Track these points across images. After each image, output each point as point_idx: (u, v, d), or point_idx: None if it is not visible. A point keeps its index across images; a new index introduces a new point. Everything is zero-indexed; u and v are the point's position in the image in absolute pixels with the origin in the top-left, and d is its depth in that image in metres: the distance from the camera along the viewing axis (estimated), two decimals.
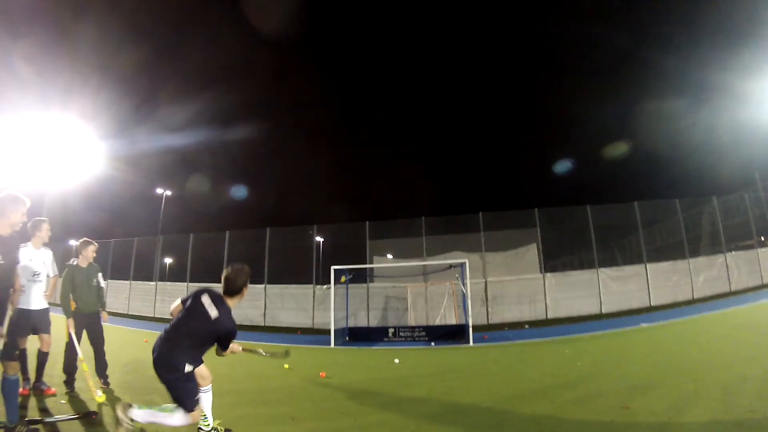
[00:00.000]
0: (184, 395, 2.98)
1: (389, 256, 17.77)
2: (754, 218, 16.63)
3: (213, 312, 3.00)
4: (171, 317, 3.16)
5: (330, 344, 10.98)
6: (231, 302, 3.15)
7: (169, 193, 25.39)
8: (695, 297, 14.98)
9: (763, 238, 17.09)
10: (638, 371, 5.43)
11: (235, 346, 3.39)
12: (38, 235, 4.58)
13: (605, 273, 15.33)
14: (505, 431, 3.52)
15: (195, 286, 18.22)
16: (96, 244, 5.45)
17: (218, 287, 3.20)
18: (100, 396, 4.51)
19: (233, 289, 3.15)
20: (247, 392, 5.42)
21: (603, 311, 14.73)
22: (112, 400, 4.61)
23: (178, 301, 3.20)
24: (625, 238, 16.76)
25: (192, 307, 3.04)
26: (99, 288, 5.33)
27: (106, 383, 5.05)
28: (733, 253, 15.85)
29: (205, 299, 3.05)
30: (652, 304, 14.82)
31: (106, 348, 5.25)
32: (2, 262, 3.07)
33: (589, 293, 15.08)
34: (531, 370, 6.52)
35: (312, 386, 5.76)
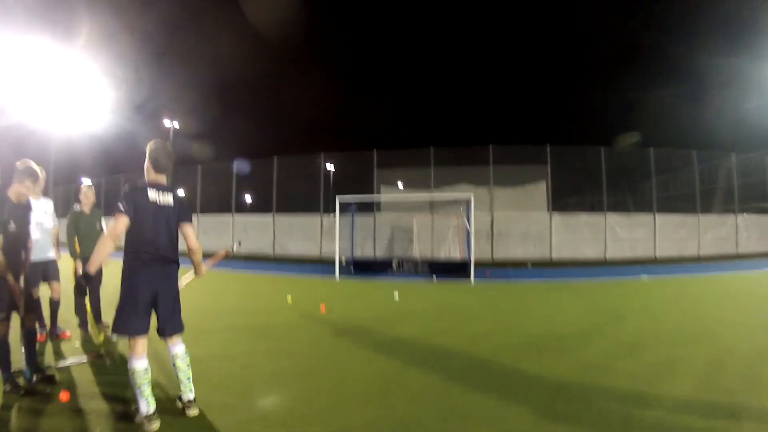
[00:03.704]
0: (180, 312, 2.98)
1: (399, 184, 17.70)
2: None
3: (168, 198, 2.88)
4: (113, 241, 2.71)
5: (335, 275, 11.33)
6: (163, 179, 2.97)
7: (176, 125, 24.77)
8: (701, 254, 14.93)
9: None
10: (628, 329, 5.48)
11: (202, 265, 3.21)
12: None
13: (613, 218, 15.15)
14: (484, 382, 3.60)
15: (205, 218, 18.68)
16: (93, 188, 5.46)
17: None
18: (99, 337, 4.83)
19: (168, 164, 2.96)
20: (249, 328, 5.69)
21: (607, 257, 14.79)
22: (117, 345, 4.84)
23: (123, 218, 2.72)
24: (636, 184, 16.32)
25: (150, 211, 2.78)
26: (102, 233, 5.36)
27: (103, 325, 5.20)
28: (745, 215, 15.41)
29: (153, 193, 2.82)
30: (656, 255, 14.79)
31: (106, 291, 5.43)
32: (14, 229, 3.21)
33: (595, 237, 15.05)
34: (525, 316, 6.67)
35: (311, 322, 6.02)
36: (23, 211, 3.42)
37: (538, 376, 3.70)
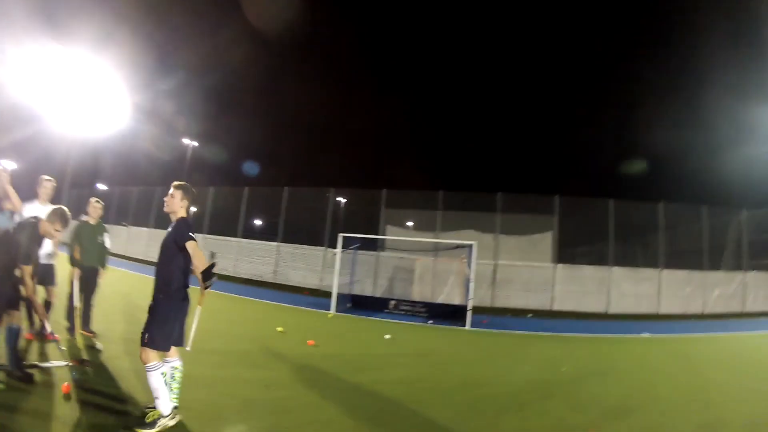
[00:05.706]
0: None
1: (409, 223, 17.80)
2: None
3: None
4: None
5: (331, 309, 11.23)
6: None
7: (195, 143, 25.54)
8: (706, 312, 14.56)
9: None
10: (620, 389, 5.28)
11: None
12: (42, 191, 4.83)
13: (618, 272, 14.98)
14: None
15: (212, 237, 18.92)
16: (100, 201, 5.71)
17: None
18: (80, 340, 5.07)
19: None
20: (233, 353, 5.66)
21: (609, 311, 14.50)
22: (121, 351, 4.98)
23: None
24: (644, 238, 16.20)
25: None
26: (103, 247, 5.59)
27: (90, 332, 5.35)
28: (754, 272, 15.07)
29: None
30: (660, 311, 14.48)
31: (111, 301, 5.61)
32: (35, 258, 3.65)
33: (599, 290, 14.83)
34: (514, 369, 6.41)
35: (297, 354, 5.93)
36: (43, 241, 3.88)
37: None
